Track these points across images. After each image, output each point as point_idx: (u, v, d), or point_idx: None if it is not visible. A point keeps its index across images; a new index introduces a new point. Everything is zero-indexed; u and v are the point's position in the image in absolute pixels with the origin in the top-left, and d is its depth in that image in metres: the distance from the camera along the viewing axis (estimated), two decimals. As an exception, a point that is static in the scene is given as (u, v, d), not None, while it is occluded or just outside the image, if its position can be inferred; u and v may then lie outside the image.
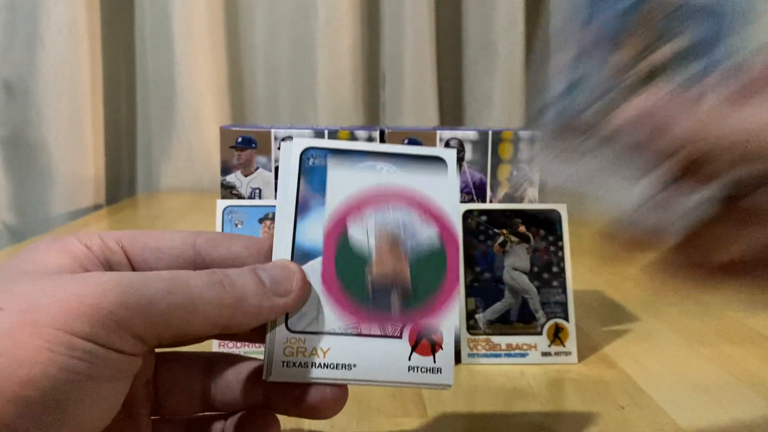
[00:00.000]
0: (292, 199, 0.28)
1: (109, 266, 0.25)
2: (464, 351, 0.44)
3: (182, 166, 1.15)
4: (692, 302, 0.57)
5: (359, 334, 0.27)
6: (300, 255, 0.27)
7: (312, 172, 0.28)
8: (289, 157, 0.28)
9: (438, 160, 0.29)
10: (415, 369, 0.27)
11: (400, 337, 0.27)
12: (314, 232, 0.27)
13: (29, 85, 1.01)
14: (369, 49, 1.20)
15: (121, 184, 1.22)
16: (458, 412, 0.38)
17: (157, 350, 0.27)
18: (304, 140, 0.28)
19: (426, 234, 0.28)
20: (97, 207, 1.09)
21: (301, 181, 0.28)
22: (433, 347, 0.27)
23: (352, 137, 0.46)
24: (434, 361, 0.27)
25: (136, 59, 1.18)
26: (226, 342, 0.42)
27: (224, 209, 0.43)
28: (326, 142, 0.28)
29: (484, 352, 0.44)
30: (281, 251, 0.27)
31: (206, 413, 0.28)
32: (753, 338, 0.49)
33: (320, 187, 0.28)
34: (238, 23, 1.20)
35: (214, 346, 0.42)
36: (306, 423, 0.36)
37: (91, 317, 0.21)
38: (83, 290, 0.21)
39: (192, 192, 1.14)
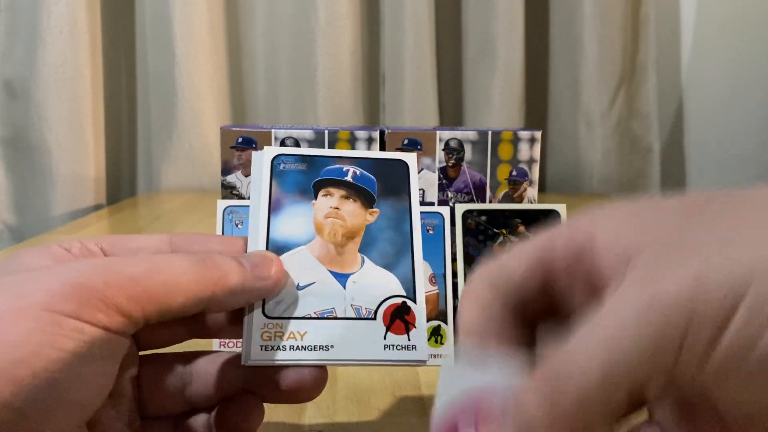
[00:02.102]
0: (266, 199, 0.30)
1: None
2: (464, 351, 0.44)
3: (182, 166, 1.15)
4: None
5: (335, 318, 0.28)
6: (274, 249, 0.29)
7: (282, 175, 0.30)
8: (261, 163, 0.31)
9: (400, 163, 0.32)
10: (391, 347, 0.28)
11: (375, 318, 0.28)
12: (287, 227, 0.29)
13: (30, 86, 1.02)
14: (369, 49, 1.20)
15: (122, 184, 1.22)
16: (458, 412, 0.38)
17: (140, 353, 0.28)
18: (274, 149, 0.31)
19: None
20: (97, 207, 1.09)
21: (273, 183, 0.30)
22: (407, 326, 0.29)
23: (352, 137, 0.46)
24: (408, 339, 0.28)
25: (136, 59, 1.18)
26: (226, 342, 0.42)
27: (225, 209, 0.43)
28: (294, 150, 0.31)
29: (483, 351, 0.44)
30: (256, 244, 0.29)
31: (191, 409, 0.29)
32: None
33: (291, 188, 0.30)
34: (238, 23, 1.20)
35: (215, 345, 0.42)
36: (306, 420, 0.36)
37: (76, 297, 0.21)
38: (67, 274, 0.22)
39: (192, 192, 1.14)
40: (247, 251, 0.29)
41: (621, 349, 0.16)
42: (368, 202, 0.31)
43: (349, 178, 0.31)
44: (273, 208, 0.30)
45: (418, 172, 0.46)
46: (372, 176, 0.31)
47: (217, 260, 0.25)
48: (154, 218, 0.96)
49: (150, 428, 0.28)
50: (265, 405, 0.33)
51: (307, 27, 1.14)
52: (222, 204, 0.44)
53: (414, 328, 0.29)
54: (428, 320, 0.43)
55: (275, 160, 0.31)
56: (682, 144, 1.32)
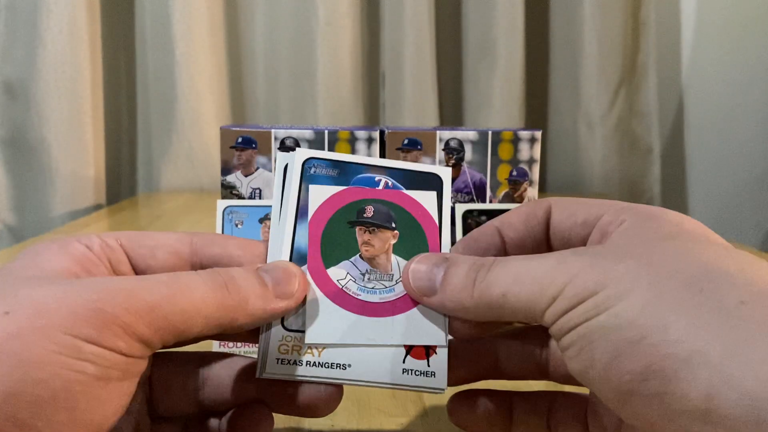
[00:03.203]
0: (294, 203, 0.28)
1: (110, 265, 0.26)
2: (464, 351, 0.44)
3: (182, 166, 1.15)
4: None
5: None
6: (297, 257, 0.28)
7: (313, 180, 0.29)
8: (291, 165, 0.29)
9: (434, 177, 0.31)
10: (409, 372, 0.27)
11: None
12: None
13: (29, 86, 1.01)
14: (369, 49, 1.20)
15: (121, 184, 1.22)
16: (458, 412, 0.38)
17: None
18: (307, 151, 0.30)
19: (414, 235, 0.29)
20: (97, 207, 1.09)
21: (302, 188, 0.29)
22: (428, 351, 0.27)
23: (352, 137, 0.46)
24: (428, 365, 0.27)
25: (136, 59, 1.18)
26: (227, 342, 0.42)
27: (224, 209, 0.43)
28: (327, 154, 0.30)
29: (484, 351, 0.44)
30: (279, 253, 0.28)
31: (202, 411, 0.29)
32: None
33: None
34: (238, 23, 1.20)
35: (215, 346, 0.42)
36: (306, 423, 0.36)
37: (96, 322, 0.21)
38: (88, 296, 0.21)
39: (192, 192, 1.14)
40: (269, 258, 0.28)
41: (521, 283, 0.23)
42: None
43: (381, 187, 0.30)
44: (300, 214, 0.28)
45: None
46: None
47: (239, 283, 0.25)
48: (154, 218, 0.96)
49: (160, 428, 0.28)
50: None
51: (307, 27, 1.14)
52: (222, 204, 0.44)
53: (434, 354, 0.27)
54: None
55: (306, 163, 0.29)
56: (682, 144, 1.32)
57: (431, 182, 0.30)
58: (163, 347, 0.24)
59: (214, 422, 0.29)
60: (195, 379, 0.28)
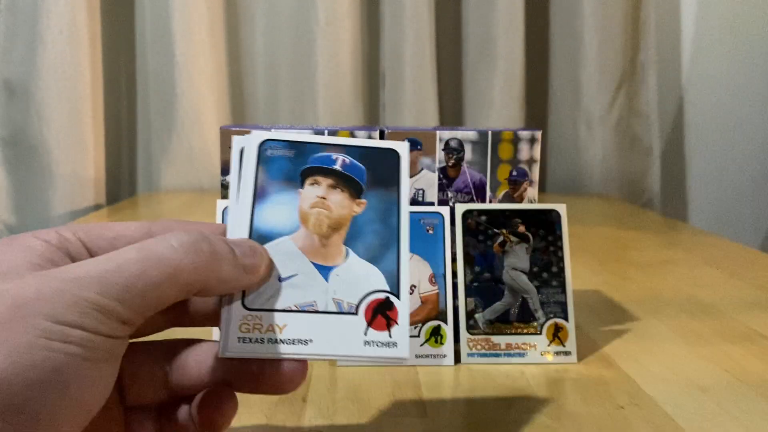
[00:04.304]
0: (251, 185, 0.29)
1: (69, 257, 0.26)
2: (464, 351, 0.44)
3: (182, 166, 1.15)
4: (692, 302, 0.57)
5: (316, 311, 0.27)
6: (257, 237, 0.28)
7: (270, 161, 0.29)
8: (248, 148, 0.29)
9: (391, 152, 0.31)
10: (371, 343, 0.27)
11: (356, 313, 0.28)
12: (271, 216, 0.29)
13: (29, 86, 1.02)
14: (369, 49, 1.20)
15: (121, 184, 1.22)
16: (458, 412, 0.38)
17: None
18: (262, 133, 0.30)
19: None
20: (97, 207, 1.09)
21: (260, 169, 0.29)
22: (389, 323, 0.28)
23: (352, 137, 0.46)
24: (390, 336, 0.28)
25: (136, 59, 1.18)
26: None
27: (224, 209, 0.43)
28: (283, 135, 0.30)
29: (483, 351, 0.44)
30: (239, 232, 0.28)
31: (173, 397, 0.29)
32: (753, 338, 0.49)
33: (277, 175, 0.29)
34: (238, 23, 1.20)
35: (215, 335, 0.42)
36: (306, 421, 0.36)
37: (75, 309, 0.21)
38: (63, 285, 0.22)
39: (192, 192, 1.14)
40: (228, 237, 0.28)
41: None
42: (356, 192, 0.30)
43: (337, 166, 0.30)
44: (258, 195, 0.29)
45: (418, 172, 0.46)
46: (361, 165, 0.30)
47: (213, 245, 0.25)
48: (153, 218, 0.96)
49: (133, 417, 0.28)
50: (265, 404, 0.33)
51: (307, 27, 1.14)
52: (222, 204, 0.44)
53: (396, 325, 0.28)
54: (428, 320, 0.43)
55: (262, 145, 0.30)
56: (682, 144, 1.32)
57: (389, 158, 0.30)
58: (145, 320, 0.24)
59: (185, 408, 0.29)
60: (162, 366, 0.28)
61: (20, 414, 0.20)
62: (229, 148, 0.46)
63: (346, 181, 0.30)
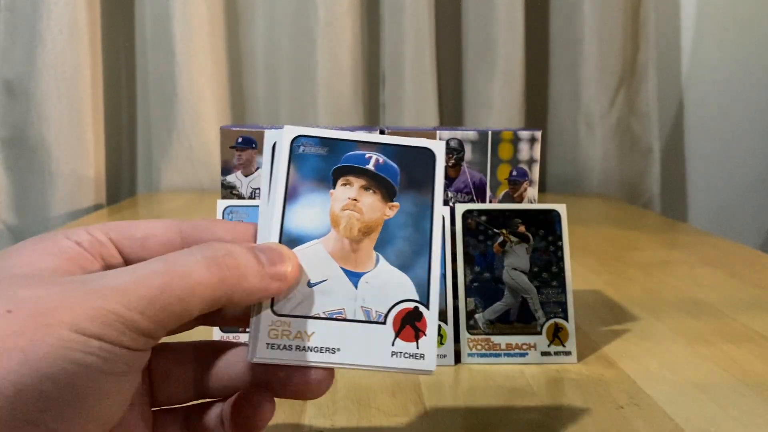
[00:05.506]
0: (282, 184, 0.28)
1: (102, 260, 0.26)
2: (464, 351, 0.44)
3: (182, 166, 1.15)
4: (692, 302, 0.57)
5: (344, 319, 0.27)
6: (287, 240, 0.27)
7: (302, 159, 0.28)
8: (279, 144, 0.28)
9: (427, 152, 0.29)
10: (398, 354, 0.27)
11: (384, 323, 0.27)
12: (302, 218, 0.28)
13: (29, 85, 1.01)
14: (369, 49, 1.20)
15: (122, 184, 1.22)
16: (458, 412, 0.38)
17: None
18: (295, 128, 0.29)
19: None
20: (97, 207, 1.09)
21: (291, 168, 0.28)
22: (417, 334, 0.27)
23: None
24: (417, 347, 0.27)
25: (136, 59, 1.18)
26: (227, 335, 0.43)
27: (225, 209, 0.43)
28: (315, 131, 0.29)
29: (483, 351, 0.44)
30: (269, 236, 0.27)
31: (203, 400, 0.29)
32: (753, 338, 0.49)
33: (309, 174, 0.28)
34: (238, 23, 1.20)
35: (215, 334, 0.42)
36: (306, 420, 0.36)
37: (98, 319, 0.21)
38: (86, 295, 0.22)
39: (192, 192, 1.14)
40: (257, 241, 0.27)
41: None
42: (389, 194, 0.28)
43: (371, 166, 0.29)
44: (289, 195, 0.28)
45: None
46: (395, 165, 0.29)
47: (237, 259, 0.24)
48: (154, 218, 0.96)
49: (161, 419, 0.28)
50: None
51: (307, 27, 1.14)
52: (222, 204, 0.44)
53: (424, 336, 0.27)
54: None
55: (295, 141, 0.28)
56: (682, 144, 1.32)
57: (424, 158, 0.29)
58: (167, 335, 0.24)
59: (215, 409, 0.29)
60: (193, 368, 0.28)
61: (35, 427, 0.20)
62: (230, 147, 0.47)
63: (379, 183, 0.28)
